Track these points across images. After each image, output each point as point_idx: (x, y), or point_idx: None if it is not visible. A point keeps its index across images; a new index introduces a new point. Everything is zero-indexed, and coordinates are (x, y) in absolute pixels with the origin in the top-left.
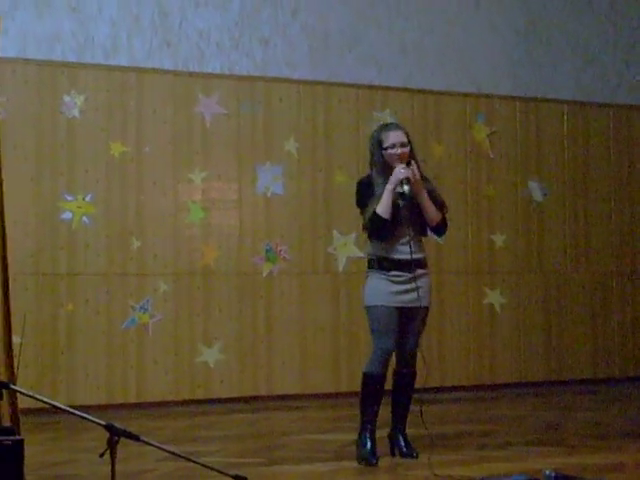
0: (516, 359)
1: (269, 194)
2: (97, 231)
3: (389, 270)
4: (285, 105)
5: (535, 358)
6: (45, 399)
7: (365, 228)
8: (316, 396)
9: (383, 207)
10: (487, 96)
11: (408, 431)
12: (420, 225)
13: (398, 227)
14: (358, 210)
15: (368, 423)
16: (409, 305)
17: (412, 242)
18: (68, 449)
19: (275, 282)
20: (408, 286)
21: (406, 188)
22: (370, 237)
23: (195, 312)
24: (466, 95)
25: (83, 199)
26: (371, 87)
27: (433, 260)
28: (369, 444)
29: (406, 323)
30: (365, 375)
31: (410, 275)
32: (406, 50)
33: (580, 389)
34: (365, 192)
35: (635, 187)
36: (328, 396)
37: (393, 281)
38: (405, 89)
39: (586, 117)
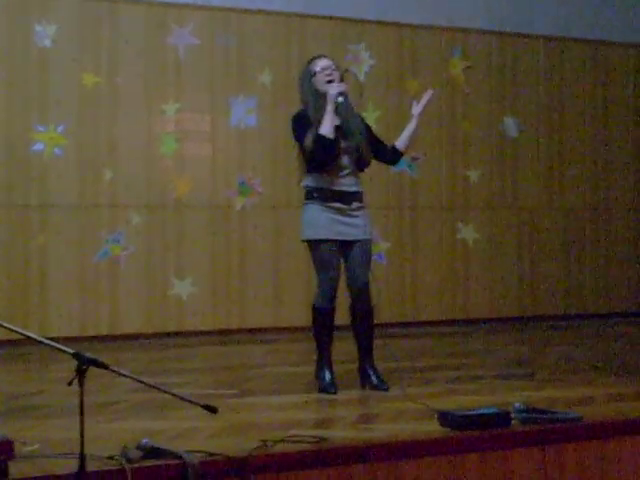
0: (489, 294)
1: (242, 126)
2: (69, 162)
3: (329, 201)
4: (259, 37)
5: (508, 293)
6: (14, 327)
7: (307, 154)
8: (288, 329)
9: (326, 127)
10: (463, 30)
11: (378, 364)
12: (358, 159)
13: (338, 158)
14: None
15: (324, 355)
16: (349, 238)
17: (352, 175)
18: (38, 380)
19: (248, 215)
20: (347, 218)
21: (340, 100)
22: (311, 168)
23: (168, 245)
24: (442, 29)
25: (55, 130)
26: (346, 20)
27: (407, 195)
28: (327, 375)
29: (349, 255)
30: (314, 309)
31: (349, 207)
32: None
33: (552, 324)
34: (302, 123)
35: (610, 123)
36: (300, 329)
37: (333, 212)
38: (380, 22)
39: (562, 52)
